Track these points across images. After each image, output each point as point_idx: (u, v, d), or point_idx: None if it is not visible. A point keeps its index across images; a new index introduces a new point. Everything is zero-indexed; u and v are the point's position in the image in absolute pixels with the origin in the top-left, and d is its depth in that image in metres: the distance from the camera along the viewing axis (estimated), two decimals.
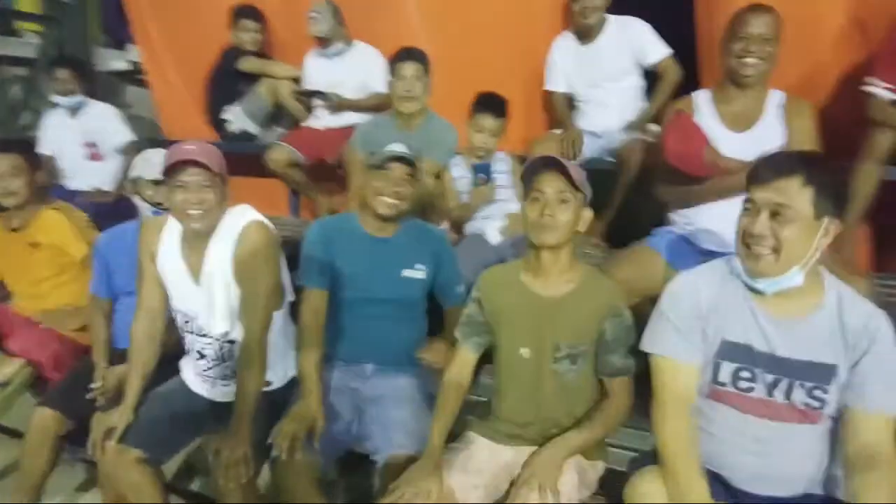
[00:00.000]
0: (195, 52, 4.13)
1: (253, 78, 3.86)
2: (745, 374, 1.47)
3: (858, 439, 1.38)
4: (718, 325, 1.49)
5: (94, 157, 3.79)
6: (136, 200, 2.42)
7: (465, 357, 1.83)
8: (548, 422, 1.73)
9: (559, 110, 3.24)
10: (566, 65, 3.19)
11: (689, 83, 2.88)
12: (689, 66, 3.05)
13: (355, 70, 3.59)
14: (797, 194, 1.36)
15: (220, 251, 1.90)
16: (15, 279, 2.70)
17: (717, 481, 1.50)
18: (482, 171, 2.69)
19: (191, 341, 2.03)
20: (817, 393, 1.43)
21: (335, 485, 2.43)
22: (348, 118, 3.58)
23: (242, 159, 3.21)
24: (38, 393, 2.49)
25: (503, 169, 2.77)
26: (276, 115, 4.02)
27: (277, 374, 2.07)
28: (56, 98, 3.76)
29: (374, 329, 2.07)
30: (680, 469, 1.42)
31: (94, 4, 4.58)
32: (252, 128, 3.93)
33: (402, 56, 2.81)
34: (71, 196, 3.58)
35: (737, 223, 1.46)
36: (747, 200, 1.44)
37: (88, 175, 3.74)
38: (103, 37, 4.85)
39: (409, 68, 2.77)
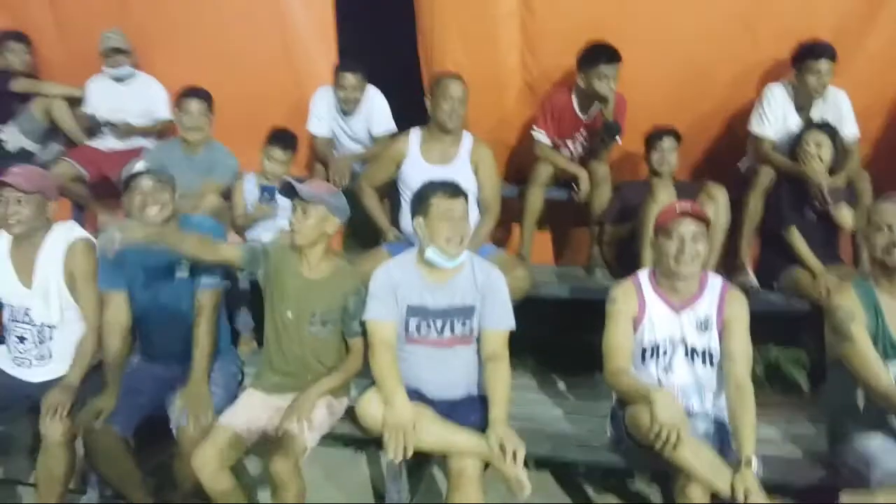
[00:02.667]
0: None
1: (26, 98, 4.06)
2: (423, 324, 2.31)
3: (487, 348, 2.29)
4: (403, 295, 2.30)
5: None
6: None
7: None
8: (305, 370, 2.42)
9: (321, 151, 3.88)
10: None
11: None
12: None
13: (139, 97, 3.99)
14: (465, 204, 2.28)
15: (50, 261, 2.41)
16: None
17: (416, 393, 2.30)
18: (268, 192, 3.30)
19: (13, 329, 2.45)
20: (467, 323, 2.30)
21: None
22: (132, 142, 3.97)
23: None
24: None
25: None
26: (53, 133, 4.21)
27: None
28: None
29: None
30: (387, 385, 2.18)
31: None
32: (29, 145, 4.11)
33: (189, 93, 3.37)
34: None
35: None
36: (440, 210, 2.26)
37: None
38: None
39: (195, 104, 3.33)
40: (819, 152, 3.00)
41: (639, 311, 2.28)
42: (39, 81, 4.12)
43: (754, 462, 1.97)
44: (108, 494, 2.57)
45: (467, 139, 3.13)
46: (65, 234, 2.48)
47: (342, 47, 3.96)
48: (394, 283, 2.32)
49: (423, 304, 2.31)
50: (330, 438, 2.48)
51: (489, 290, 2.32)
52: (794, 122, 3.26)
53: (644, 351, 2.29)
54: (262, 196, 3.32)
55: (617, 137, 3.38)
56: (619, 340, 2.26)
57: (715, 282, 2.29)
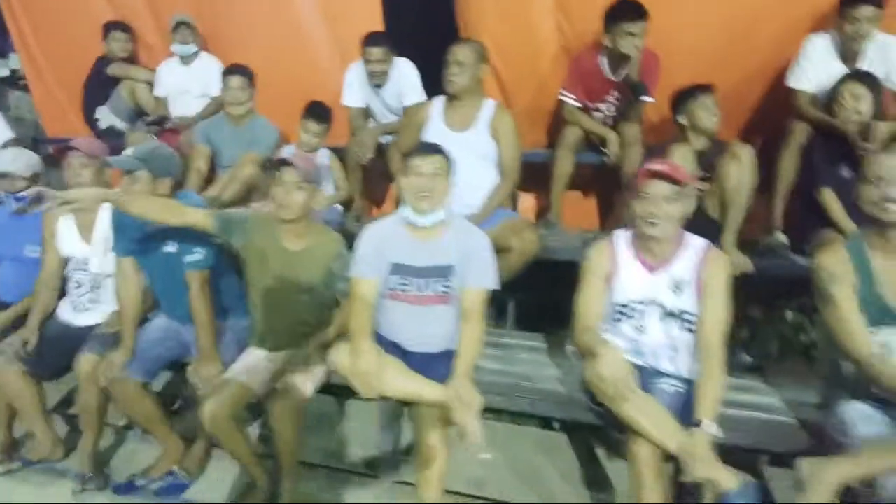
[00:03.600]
0: (68, 60, 4.76)
1: (119, 82, 4.54)
2: (404, 281, 2.38)
3: (462, 305, 2.32)
4: (387, 252, 2.39)
5: None
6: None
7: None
8: (296, 331, 2.57)
9: (353, 123, 3.93)
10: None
11: None
12: None
13: (200, 76, 4.34)
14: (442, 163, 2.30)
15: (105, 220, 2.78)
16: None
17: (395, 347, 2.41)
18: None
19: (73, 276, 2.89)
20: (446, 284, 2.35)
21: None
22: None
23: (113, 150, 3.91)
24: None
25: (324, 162, 3.63)
26: (142, 112, 4.68)
27: None
28: None
29: None
30: (355, 336, 2.28)
31: None
32: (119, 124, 4.60)
33: (231, 70, 3.63)
34: None
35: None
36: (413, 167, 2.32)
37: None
38: None
39: (236, 80, 3.58)
40: (857, 105, 2.72)
41: (611, 269, 2.24)
42: (128, 66, 4.57)
43: (709, 425, 1.90)
44: None
45: (489, 105, 3.13)
46: None
47: (387, 22, 4.07)
48: (379, 242, 2.40)
49: (405, 262, 2.38)
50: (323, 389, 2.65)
51: (470, 250, 2.35)
52: (837, 74, 2.97)
53: (616, 309, 2.24)
54: None
55: (645, 97, 3.25)
56: (587, 299, 2.23)
57: (695, 243, 2.19)
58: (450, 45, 3.08)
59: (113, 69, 4.51)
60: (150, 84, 4.51)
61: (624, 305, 2.23)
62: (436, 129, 3.15)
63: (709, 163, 2.98)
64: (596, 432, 2.87)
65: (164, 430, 2.74)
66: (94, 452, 2.74)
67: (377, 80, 3.70)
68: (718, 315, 2.09)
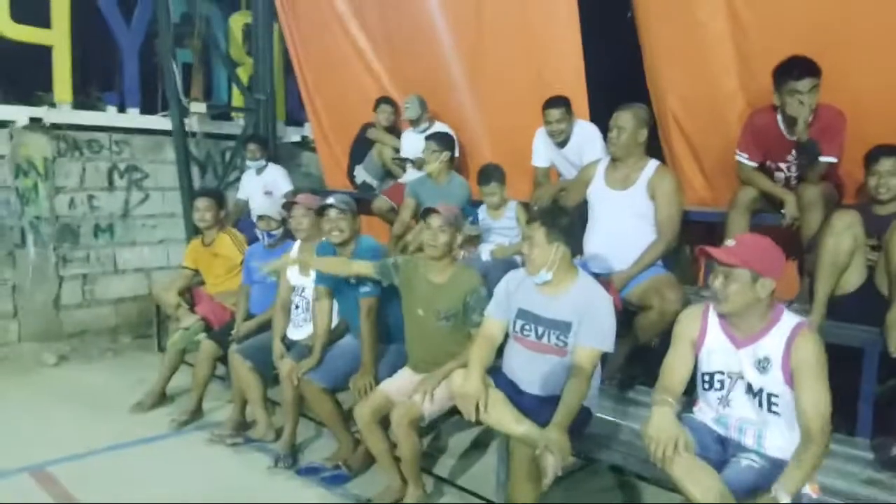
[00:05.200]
0: (345, 127, 5.92)
1: (374, 144, 5.54)
2: (527, 327, 2.64)
3: (574, 360, 2.50)
4: (517, 298, 2.67)
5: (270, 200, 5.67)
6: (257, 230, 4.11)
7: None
8: (436, 355, 2.97)
9: (537, 180, 4.28)
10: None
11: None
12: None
13: None
14: (536, 231, 2.56)
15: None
16: (206, 274, 4.53)
17: (511, 385, 2.67)
18: (473, 218, 4.05)
19: (294, 300, 3.69)
20: (563, 338, 2.56)
21: None
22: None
23: (366, 203, 4.88)
24: (208, 334, 4.22)
25: (510, 215, 4.05)
26: (389, 171, 5.62)
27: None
28: (248, 162, 5.73)
29: None
30: (470, 365, 2.59)
31: (281, 96, 6.68)
32: (370, 181, 5.59)
33: (429, 136, 4.33)
34: (254, 225, 5.47)
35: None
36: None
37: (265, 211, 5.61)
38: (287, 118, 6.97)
39: (430, 144, 4.24)
40: None
41: (698, 336, 2.24)
42: (381, 132, 5.54)
43: (782, 495, 1.83)
44: None
45: (651, 166, 3.23)
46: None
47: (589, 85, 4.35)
48: (511, 288, 2.71)
49: (529, 310, 2.64)
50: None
51: (589, 310, 2.51)
52: None
53: (703, 378, 2.23)
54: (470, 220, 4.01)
55: (823, 157, 3.05)
56: (670, 361, 2.26)
57: (788, 321, 2.09)
58: (615, 111, 3.28)
59: (370, 132, 5.53)
60: (396, 149, 5.42)
61: (709, 375, 2.21)
62: (598, 187, 3.36)
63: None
64: None
65: (339, 429, 3.35)
66: (290, 438, 3.47)
67: (557, 139, 4.00)
68: (814, 398, 1.96)
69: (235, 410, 3.77)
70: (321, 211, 3.32)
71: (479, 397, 2.49)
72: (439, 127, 5.08)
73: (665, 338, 3.00)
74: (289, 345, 3.61)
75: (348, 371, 3.31)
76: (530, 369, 2.66)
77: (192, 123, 5.94)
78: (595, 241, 3.31)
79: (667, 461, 1.96)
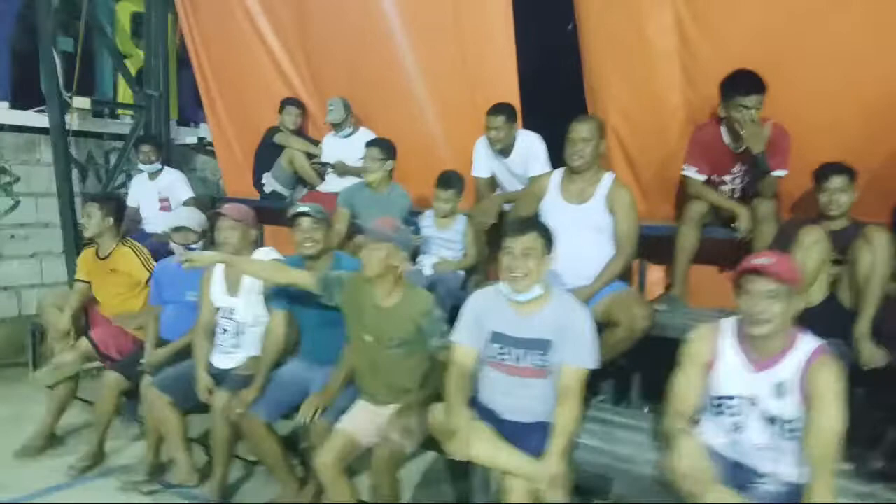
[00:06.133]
0: (249, 130, 5.47)
1: (282, 150, 5.12)
2: (504, 350, 2.45)
3: (562, 382, 2.34)
4: (488, 321, 2.48)
5: (165, 209, 5.09)
6: (172, 243, 3.61)
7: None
8: (393, 385, 2.72)
9: (480, 191, 4.11)
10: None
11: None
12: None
13: (356, 148, 4.74)
14: (535, 242, 2.38)
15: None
16: (99, 292, 3.92)
17: (490, 413, 2.47)
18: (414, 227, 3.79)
19: (221, 323, 3.25)
20: (542, 357, 2.39)
21: None
22: (345, 184, 4.73)
23: (274, 213, 4.45)
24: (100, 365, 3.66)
25: (458, 228, 3.81)
26: (299, 179, 5.23)
27: None
28: (140, 165, 5.11)
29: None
30: (450, 400, 2.39)
31: (174, 94, 6.06)
32: (280, 189, 5.17)
33: (370, 143, 4.01)
34: (146, 236, 4.90)
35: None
36: (505, 247, 2.45)
37: (160, 222, 5.03)
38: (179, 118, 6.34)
39: (374, 152, 3.94)
40: None
41: (711, 358, 2.15)
42: (291, 136, 5.12)
43: None
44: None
45: (607, 179, 3.16)
46: (264, 255, 3.21)
47: (523, 94, 4.24)
48: (481, 310, 2.51)
49: (504, 332, 2.45)
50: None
51: (569, 327, 2.37)
52: None
53: (713, 402, 2.15)
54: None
55: (775, 172, 3.12)
56: (680, 385, 2.17)
57: (806, 343, 2.03)
58: (571, 122, 3.17)
59: (278, 138, 5.11)
60: (307, 154, 5.04)
61: (721, 398, 2.13)
62: (553, 201, 3.24)
63: (845, 245, 2.79)
64: None
65: (283, 470, 2.97)
66: (222, 482, 3.05)
67: (499, 147, 3.86)
68: (829, 425, 1.90)
69: (150, 452, 3.27)
70: (292, 220, 2.97)
71: (467, 433, 2.28)
72: (364, 132, 4.79)
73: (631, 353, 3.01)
74: (215, 375, 3.18)
75: (293, 403, 2.95)
76: (512, 395, 2.47)
77: (71, 121, 5.21)
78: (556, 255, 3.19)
79: (699, 495, 1.84)
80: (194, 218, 3.63)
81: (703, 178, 3.37)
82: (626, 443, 2.73)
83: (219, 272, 3.29)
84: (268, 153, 5.18)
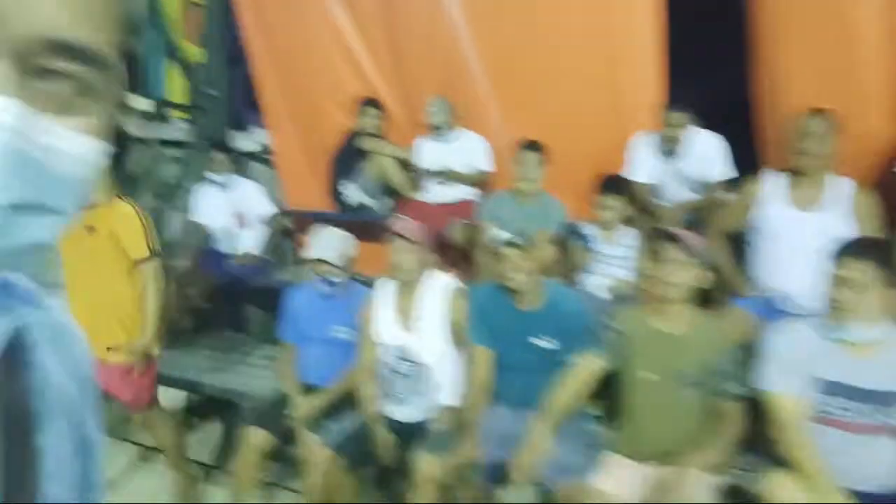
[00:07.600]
0: (318, 134, 4.88)
1: (367, 157, 4.54)
2: (838, 403, 1.98)
3: None
4: (813, 366, 2.00)
5: (240, 225, 4.47)
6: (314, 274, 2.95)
7: None
8: (675, 439, 2.21)
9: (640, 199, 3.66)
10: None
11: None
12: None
13: (462, 152, 4.24)
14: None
15: (431, 304, 2.59)
16: (69, 270, 2.33)
17: None
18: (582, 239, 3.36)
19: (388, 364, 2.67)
20: (886, 411, 1.93)
21: None
22: (455, 193, 4.21)
23: (362, 226, 3.85)
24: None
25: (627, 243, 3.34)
26: (388, 189, 4.66)
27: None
28: (211, 175, 4.47)
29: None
30: (809, 470, 1.93)
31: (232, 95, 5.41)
32: (367, 200, 4.59)
33: (527, 146, 3.47)
34: (220, 258, 4.28)
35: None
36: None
37: (236, 240, 4.42)
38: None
39: (532, 156, 3.42)
40: None
41: None
42: (380, 141, 4.56)
43: None
44: None
45: (844, 183, 2.74)
46: (444, 284, 2.67)
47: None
48: (801, 351, 2.05)
49: (841, 381, 1.99)
50: None
51: None
52: None
53: None
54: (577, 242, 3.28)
55: None
56: None
57: None
58: (802, 116, 2.74)
59: (365, 143, 4.53)
60: (400, 160, 4.48)
61: None
62: (777, 208, 2.79)
63: None
64: None
65: None
66: None
67: (669, 147, 3.43)
68: None
69: None
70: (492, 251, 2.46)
71: None
72: (470, 136, 4.27)
73: None
74: (394, 428, 2.62)
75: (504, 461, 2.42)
76: (854, 458, 1.99)
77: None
78: (786, 273, 2.74)
79: None
80: (334, 246, 2.92)
81: None
82: None
83: (387, 299, 2.73)
84: (349, 160, 4.60)
